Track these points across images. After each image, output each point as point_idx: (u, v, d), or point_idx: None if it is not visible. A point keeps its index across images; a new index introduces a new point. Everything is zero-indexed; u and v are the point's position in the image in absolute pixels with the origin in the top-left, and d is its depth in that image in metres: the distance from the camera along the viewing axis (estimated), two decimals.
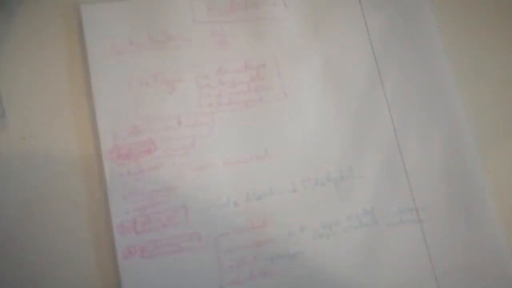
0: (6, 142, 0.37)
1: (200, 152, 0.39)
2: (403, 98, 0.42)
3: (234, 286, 0.37)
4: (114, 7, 0.40)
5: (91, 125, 0.38)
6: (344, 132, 0.41)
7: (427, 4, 0.44)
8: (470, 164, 0.41)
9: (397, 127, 0.42)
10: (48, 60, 0.39)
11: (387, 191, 0.40)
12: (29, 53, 0.39)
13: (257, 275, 0.37)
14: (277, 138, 0.40)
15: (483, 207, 0.41)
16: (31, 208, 0.36)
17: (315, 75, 0.42)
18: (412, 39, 0.43)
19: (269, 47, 0.42)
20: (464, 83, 0.43)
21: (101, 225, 0.37)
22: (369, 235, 0.39)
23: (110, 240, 0.36)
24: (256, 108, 0.40)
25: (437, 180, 0.41)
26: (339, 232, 0.39)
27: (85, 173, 0.37)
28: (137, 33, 0.40)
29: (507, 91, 0.44)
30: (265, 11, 0.42)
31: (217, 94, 0.40)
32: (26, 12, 0.40)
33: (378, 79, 0.42)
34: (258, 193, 0.39)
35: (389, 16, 0.44)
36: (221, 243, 0.37)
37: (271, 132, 0.40)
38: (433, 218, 0.40)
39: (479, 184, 0.41)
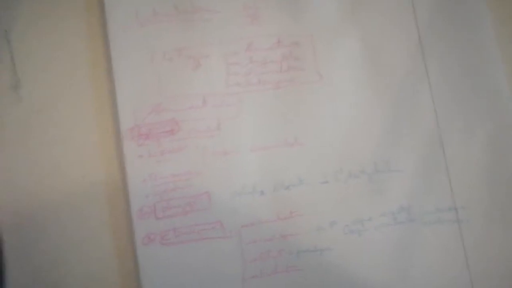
0: (20, 114, 0.37)
1: (225, 135, 0.38)
2: (449, 88, 0.40)
3: (257, 280, 0.37)
4: None
5: (110, 102, 0.38)
6: (382, 121, 0.40)
7: None
8: None
9: (440, 120, 0.40)
10: (66, 29, 0.38)
11: (425, 188, 0.39)
12: (46, 22, 0.38)
13: (282, 269, 0.37)
14: (309, 124, 0.39)
15: None
16: (47, 190, 0.36)
17: (353, 57, 0.40)
18: (461, 25, 0.41)
19: (304, 24, 0.40)
20: None
21: (120, 209, 0.37)
22: (403, 234, 0.38)
23: (129, 226, 0.36)
24: (287, 89, 0.39)
25: (479, 179, 0.40)
26: (371, 229, 0.38)
27: (103, 153, 0.37)
28: (162, 3, 0.39)
29: None
30: None
31: (246, 72, 0.39)
32: None
33: (422, 66, 0.41)
34: (286, 183, 0.38)
35: None
36: (244, 234, 0.37)
37: (302, 117, 0.39)
38: (472, 219, 0.39)
39: None
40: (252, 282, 0.37)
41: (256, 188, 0.38)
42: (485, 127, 0.40)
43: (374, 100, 0.40)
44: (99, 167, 0.37)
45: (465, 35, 0.41)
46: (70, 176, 0.36)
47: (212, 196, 0.37)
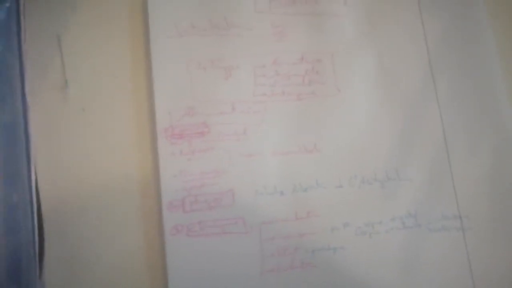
0: (66, 111, 0.41)
1: (250, 139, 0.41)
2: (455, 103, 0.44)
3: (274, 274, 0.39)
4: None
5: (148, 103, 0.41)
6: (394, 133, 0.43)
7: (483, 11, 0.46)
8: None
9: (447, 133, 0.44)
10: (112, 36, 0.42)
11: (432, 196, 0.42)
12: (94, 29, 0.42)
13: (298, 265, 0.40)
14: (327, 133, 0.43)
15: None
16: (87, 182, 0.39)
17: (369, 74, 0.44)
18: (467, 45, 0.45)
19: (326, 42, 0.44)
20: None
21: (151, 201, 0.40)
22: (411, 238, 0.41)
23: (159, 217, 0.39)
24: (308, 101, 0.43)
25: (484, 190, 0.43)
26: (381, 231, 0.41)
27: (139, 149, 0.41)
28: (199, 18, 0.43)
29: None
30: (324, 7, 0.45)
31: (271, 84, 0.43)
32: None
33: (431, 82, 0.44)
34: (305, 185, 0.41)
35: (446, 20, 0.46)
36: (264, 231, 0.40)
37: (321, 127, 0.43)
38: (476, 228, 0.42)
39: None
40: (270, 275, 0.39)
41: (276, 189, 0.41)
42: (488, 141, 0.43)
43: (387, 114, 0.43)
44: (135, 162, 0.40)
45: (470, 56, 0.45)
46: (108, 168, 0.40)
47: (236, 194, 0.40)
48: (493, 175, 0.43)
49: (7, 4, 0.38)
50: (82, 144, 0.40)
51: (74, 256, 0.38)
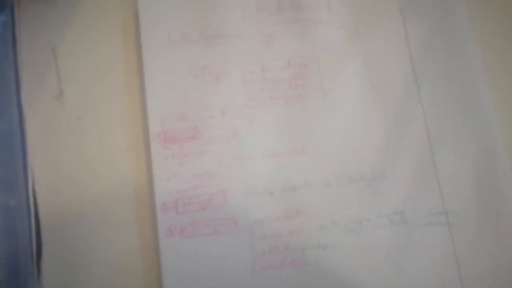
0: (63, 120, 0.42)
1: (240, 142, 0.43)
2: (438, 105, 0.45)
3: (265, 272, 0.40)
4: (170, 1, 0.45)
5: (141, 110, 0.43)
6: (379, 134, 0.44)
7: (464, 17, 0.48)
8: (501, 173, 0.44)
9: (431, 133, 0.45)
10: (105, 47, 0.44)
11: (418, 193, 0.44)
12: (87, 40, 0.44)
13: (288, 263, 0.41)
14: (314, 134, 0.44)
15: None
16: (83, 187, 0.41)
17: (354, 78, 0.45)
18: (449, 49, 0.47)
19: (311, 48, 0.46)
20: (499, 93, 0.46)
21: (146, 204, 0.41)
22: (398, 234, 0.42)
23: (153, 219, 0.40)
24: (295, 104, 0.44)
25: (468, 186, 0.44)
26: (369, 229, 0.42)
27: (133, 154, 0.42)
28: (189, 28, 0.44)
29: None
30: (309, 14, 0.46)
31: (260, 89, 0.44)
32: (87, 1, 0.45)
33: (415, 85, 0.46)
34: (293, 185, 0.43)
35: (428, 26, 0.47)
36: (255, 230, 0.41)
37: (308, 129, 0.44)
38: (462, 224, 0.43)
39: (509, 194, 0.44)
40: (261, 273, 0.40)
41: (266, 189, 0.42)
42: (472, 140, 0.45)
43: (372, 116, 0.45)
44: (129, 167, 0.42)
45: (452, 60, 0.46)
46: (104, 174, 0.41)
47: (227, 195, 0.42)
48: (477, 172, 0.44)
49: (3, 18, 0.39)
50: (77, 150, 0.41)
51: (71, 258, 0.39)
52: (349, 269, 0.41)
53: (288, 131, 0.44)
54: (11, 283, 0.35)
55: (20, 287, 0.35)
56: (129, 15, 0.45)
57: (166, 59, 0.43)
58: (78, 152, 0.41)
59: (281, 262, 0.41)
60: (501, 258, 0.43)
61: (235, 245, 0.41)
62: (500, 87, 0.47)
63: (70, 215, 0.40)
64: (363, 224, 0.42)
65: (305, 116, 0.44)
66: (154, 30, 0.44)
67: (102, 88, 0.43)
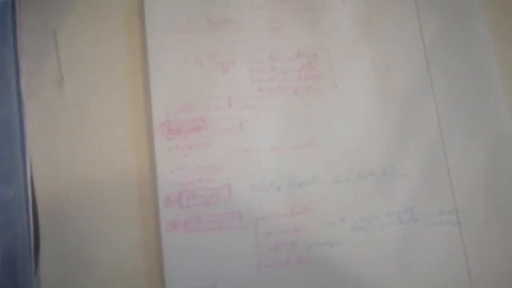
0: (62, 108, 0.40)
1: (247, 135, 0.41)
2: (451, 100, 0.44)
3: (271, 269, 0.39)
4: None
5: (144, 99, 0.41)
6: (390, 128, 0.43)
7: (479, 10, 0.46)
8: None
9: (443, 128, 0.43)
10: (108, 32, 0.42)
11: (428, 190, 0.42)
12: (90, 25, 0.42)
13: (294, 260, 0.40)
14: (323, 128, 0.42)
15: None
16: (84, 177, 0.39)
17: (365, 69, 0.44)
18: (463, 42, 0.45)
19: (322, 37, 0.44)
20: None
21: (148, 197, 0.39)
22: (407, 233, 0.41)
23: (155, 212, 0.39)
24: (304, 96, 0.43)
25: (479, 184, 0.43)
26: (377, 226, 0.41)
27: (136, 144, 0.40)
28: (195, 14, 0.42)
29: None
30: (321, 2, 0.45)
31: (267, 79, 0.43)
32: None
33: (427, 79, 0.44)
34: (301, 180, 0.41)
35: (443, 18, 0.46)
36: (261, 226, 0.40)
37: (317, 122, 0.42)
38: (472, 222, 0.42)
39: None
40: (267, 270, 0.39)
41: (273, 184, 0.41)
42: (484, 136, 0.43)
43: (383, 109, 0.43)
44: (131, 158, 0.40)
45: (466, 54, 0.45)
46: (105, 164, 0.39)
47: (232, 189, 0.40)
48: (489, 170, 0.43)
49: (2, 0, 0.37)
50: (78, 139, 0.40)
51: (70, 252, 0.37)
52: (357, 267, 0.40)
53: (296, 124, 0.42)
54: (8, 277, 0.33)
55: (18, 281, 0.33)
56: (133, 1, 0.43)
57: (171, 46, 0.41)
58: (79, 142, 0.40)
59: (287, 259, 0.40)
60: (511, 256, 0.41)
61: (240, 241, 0.39)
62: None
63: (70, 207, 0.38)
64: (371, 221, 0.41)
65: (315, 109, 0.42)
66: (159, 16, 0.42)
67: (104, 75, 0.41)
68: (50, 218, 0.37)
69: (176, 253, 0.38)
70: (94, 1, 0.42)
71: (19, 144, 0.35)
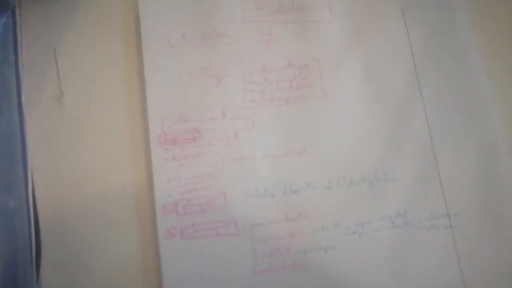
0: (62, 121, 0.42)
1: (241, 144, 0.42)
2: (440, 106, 0.45)
3: (266, 274, 0.40)
4: (171, 3, 0.44)
5: (141, 112, 0.42)
6: (381, 135, 0.44)
7: (465, 17, 0.47)
8: (504, 174, 0.43)
9: (433, 134, 0.44)
10: (106, 48, 0.44)
11: (420, 195, 0.43)
12: (88, 41, 0.44)
13: (289, 265, 0.40)
14: (315, 136, 0.43)
15: None
16: (83, 188, 0.40)
17: (355, 78, 0.45)
18: (451, 50, 0.46)
19: (312, 48, 0.45)
20: (501, 94, 0.46)
21: (145, 206, 0.40)
22: (400, 237, 0.42)
23: (153, 221, 0.40)
24: (297, 105, 0.44)
25: (470, 188, 0.43)
26: (371, 231, 0.42)
27: (133, 156, 0.41)
28: (189, 29, 0.44)
29: None
30: (310, 15, 0.46)
31: (260, 90, 0.44)
32: (88, 3, 0.45)
33: (416, 86, 0.45)
34: (295, 187, 0.42)
35: (430, 27, 0.47)
36: (256, 232, 0.41)
37: (310, 130, 0.43)
38: (465, 225, 0.42)
39: (511, 195, 0.43)
40: (262, 276, 0.40)
41: (267, 191, 0.42)
42: (474, 141, 0.44)
43: (374, 117, 0.44)
44: (129, 169, 0.41)
45: (454, 61, 0.46)
46: (104, 175, 0.41)
47: (227, 196, 0.41)
48: (479, 174, 0.43)
49: (4, 19, 0.39)
50: (77, 152, 0.41)
51: (70, 261, 0.38)
52: (351, 272, 0.41)
53: (289, 132, 0.43)
54: (9, 285, 0.34)
55: None
56: (129, 17, 0.44)
57: (167, 60, 0.43)
58: (78, 154, 0.41)
59: (282, 265, 0.40)
60: (504, 259, 0.42)
61: (235, 247, 0.40)
62: (501, 88, 0.46)
63: (70, 217, 0.39)
64: (365, 226, 0.42)
65: (306, 117, 0.43)
66: (154, 31, 0.43)
67: (102, 89, 0.43)
68: (50, 228, 0.39)
69: (173, 260, 0.39)
70: (92, 19, 0.44)
71: (20, 156, 0.37)
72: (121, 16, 0.44)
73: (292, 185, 0.42)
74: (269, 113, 0.43)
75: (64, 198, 0.40)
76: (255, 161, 0.42)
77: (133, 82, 0.43)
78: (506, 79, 0.46)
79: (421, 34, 0.46)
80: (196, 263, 0.39)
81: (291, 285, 0.40)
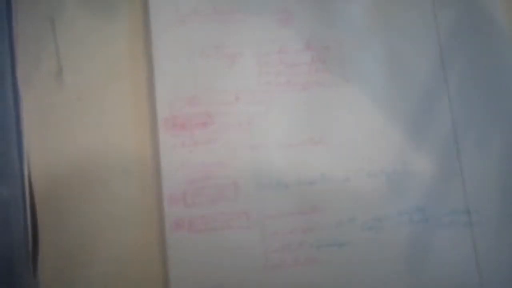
0: (61, 101, 0.37)
1: (255, 130, 0.39)
2: (466, 97, 0.41)
3: (278, 270, 0.37)
4: None
5: (148, 93, 0.38)
6: (403, 126, 0.41)
7: (499, 4, 0.43)
8: None
9: (457, 126, 0.41)
10: (110, 21, 0.39)
11: (441, 190, 0.40)
12: (90, 12, 0.39)
13: (302, 261, 0.38)
14: (333, 124, 0.40)
15: None
16: (83, 172, 0.36)
17: (379, 64, 0.41)
18: (480, 39, 0.43)
19: (334, 29, 0.41)
20: None
21: (152, 195, 0.37)
22: (418, 233, 0.39)
23: (159, 211, 0.37)
24: (315, 91, 0.40)
25: (493, 185, 0.41)
26: (388, 226, 0.39)
27: (138, 141, 0.38)
28: (202, 2, 0.39)
29: None
30: None
31: (276, 73, 0.40)
32: None
33: (442, 75, 0.42)
34: (310, 178, 0.39)
35: (460, 12, 0.43)
36: (268, 225, 0.38)
37: (328, 118, 0.40)
38: (485, 223, 0.40)
39: None
40: (274, 271, 0.37)
41: (280, 182, 0.38)
42: (499, 137, 0.41)
43: (395, 106, 0.41)
44: (134, 155, 0.37)
45: (483, 51, 0.42)
46: (106, 160, 0.37)
47: (239, 187, 0.38)
48: (503, 170, 0.41)
49: None
50: (78, 135, 0.37)
51: (69, 254, 0.35)
52: (366, 269, 0.38)
53: (305, 120, 0.39)
54: (4, 280, 0.31)
55: (15, 284, 0.31)
56: None
57: (176, 36, 0.39)
58: (78, 137, 0.37)
59: (295, 260, 0.37)
60: None
61: (246, 240, 0.37)
62: None
63: (69, 206, 0.36)
64: (382, 221, 0.39)
65: (325, 104, 0.40)
66: (163, 4, 0.39)
67: (105, 66, 0.38)
68: (49, 217, 0.35)
69: (181, 253, 0.36)
70: None
71: (15, 140, 0.33)
72: None
73: (307, 176, 0.39)
74: (285, 99, 0.39)
75: (63, 186, 0.36)
76: (268, 149, 0.39)
77: (139, 59, 0.38)
78: None
79: (450, 19, 0.42)
80: (205, 256, 0.36)
81: (303, 281, 0.37)
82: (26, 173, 0.33)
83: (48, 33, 0.38)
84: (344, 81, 0.40)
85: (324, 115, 0.40)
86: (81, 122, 0.37)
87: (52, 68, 0.38)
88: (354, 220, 0.39)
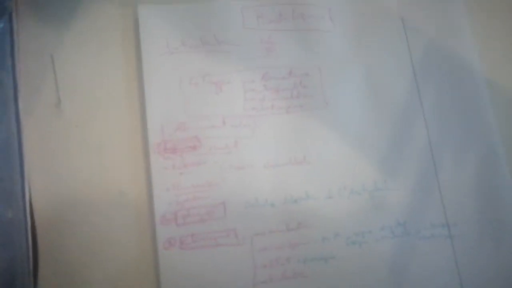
0: (60, 128, 0.41)
1: (241, 152, 0.42)
2: (440, 116, 0.45)
3: (266, 285, 0.39)
4: (170, 9, 0.43)
5: (140, 119, 0.41)
6: (382, 144, 0.43)
7: (466, 25, 0.47)
8: (503, 184, 0.43)
9: (433, 143, 0.44)
10: (105, 55, 0.43)
11: (420, 205, 0.42)
12: (86, 48, 0.43)
13: (290, 275, 0.40)
14: (316, 145, 0.43)
15: None
16: (81, 195, 0.39)
17: (356, 88, 0.44)
18: (451, 60, 0.46)
19: (313, 57, 0.45)
20: (502, 103, 0.45)
21: (145, 215, 0.40)
22: (400, 247, 0.41)
23: (152, 231, 0.39)
24: (297, 114, 0.43)
25: (470, 198, 0.43)
26: (371, 241, 0.41)
27: (132, 164, 0.41)
28: (189, 36, 0.43)
29: None
30: (311, 23, 0.45)
31: (261, 98, 0.43)
32: (87, 9, 0.44)
33: (417, 96, 0.45)
34: (295, 197, 0.41)
35: (430, 35, 0.46)
36: (256, 242, 0.40)
37: (310, 139, 0.43)
38: (464, 235, 0.42)
39: (511, 205, 0.43)
40: (262, 286, 0.39)
41: (267, 201, 0.41)
42: (473, 152, 0.44)
43: (374, 126, 0.44)
44: (128, 178, 0.40)
45: (454, 71, 0.46)
46: (102, 184, 0.40)
47: (227, 206, 0.40)
48: (479, 184, 0.43)
49: (1, 25, 0.38)
50: (75, 160, 0.40)
51: (68, 271, 0.37)
52: (351, 282, 0.40)
53: (289, 141, 0.42)
54: None
55: None
56: (128, 23, 0.43)
57: (166, 67, 0.42)
58: (76, 162, 0.40)
59: (283, 275, 0.40)
60: (503, 268, 0.42)
61: (235, 257, 0.39)
62: (502, 98, 0.46)
63: (67, 226, 0.38)
64: (365, 236, 0.41)
65: (307, 126, 0.43)
66: (154, 38, 0.42)
67: (101, 96, 0.42)
68: (48, 237, 0.38)
69: (172, 270, 0.38)
70: (90, 25, 0.43)
71: (18, 165, 0.36)
72: (120, 22, 0.43)
73: (292, 194, 0.41)
74: (269, 122, 0.43)
75: (62, 207, 0.39)
76: (255, 170, 0.41)
77: (132, 89, 0.42)
78: (507, 89, 0.46)
79: (421, 43, 0.46)
80: (195, 273, 0.39)
81: None
82: (27, 195, 0.36)
83: (48, 68, 0.41)
84: (324, 104, 0.44)
85: (306, 136, 0.43)
86: (79, 148, 0.40)
87: (51, 99, 0.41)
88: (338, 235, 0.41)
